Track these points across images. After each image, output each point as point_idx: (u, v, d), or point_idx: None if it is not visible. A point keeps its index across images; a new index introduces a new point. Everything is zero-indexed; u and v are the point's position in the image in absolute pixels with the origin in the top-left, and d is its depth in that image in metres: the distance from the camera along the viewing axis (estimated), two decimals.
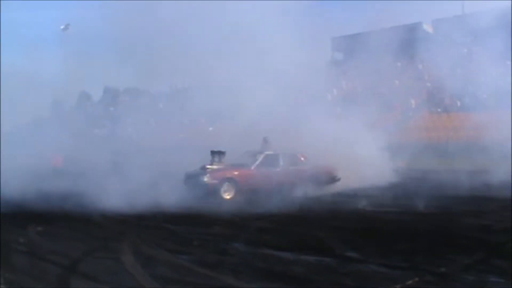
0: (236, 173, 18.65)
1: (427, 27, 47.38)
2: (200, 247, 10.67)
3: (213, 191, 17.92)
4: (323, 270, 8.64)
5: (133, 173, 18.44)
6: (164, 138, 26.73)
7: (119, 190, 18.18)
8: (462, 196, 17.28)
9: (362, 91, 36.00)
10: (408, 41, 36.03)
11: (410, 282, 7.79)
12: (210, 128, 23.55)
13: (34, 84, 35.72)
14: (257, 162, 19.17)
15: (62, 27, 34.36)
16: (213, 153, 19.14)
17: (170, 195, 16.62)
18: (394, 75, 38.08)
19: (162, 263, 9.34)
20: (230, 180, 18.39)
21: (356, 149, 20.53)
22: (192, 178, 18.52)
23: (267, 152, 19.70)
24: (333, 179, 20.12)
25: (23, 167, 21.98)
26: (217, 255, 9.89)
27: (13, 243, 11.72)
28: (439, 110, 35.90)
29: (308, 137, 19.96)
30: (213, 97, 24.02)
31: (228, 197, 18.12)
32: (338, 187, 19.60)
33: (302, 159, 20.02)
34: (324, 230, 11.82)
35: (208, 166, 18.73)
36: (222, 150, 19.18)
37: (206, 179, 18.15)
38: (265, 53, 23.21)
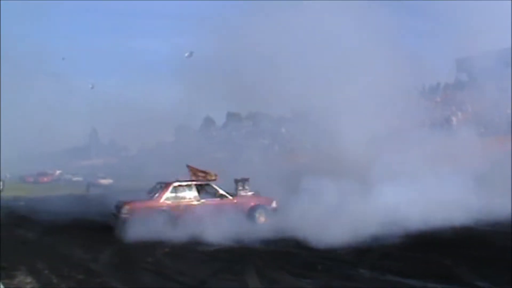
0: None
1: None
2: (324, 272, 10.64)
3: None
4: None
5: None
6: (286, 162, 26.97)
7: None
8: None
9: (488, 113, 34.65)
10: None
11: None
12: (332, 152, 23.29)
13: (159, 110, 37.05)
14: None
15: (186, 54, 35.46)
16: (236, 181, 19.26)
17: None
18: None
19: (286, 287, 9.36)
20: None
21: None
22: None
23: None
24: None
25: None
26: (342, 280, 9.82)
27: (141, 262, 12.20)
28: None
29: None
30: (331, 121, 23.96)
31: None
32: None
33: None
34: (450, 257, 11.41)
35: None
36: (246, 177, 19.31)
37: None
38: (381, 76, 22.96)
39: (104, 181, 55.43)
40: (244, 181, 19.39)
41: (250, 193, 19.25)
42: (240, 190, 19.27)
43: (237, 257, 12.66)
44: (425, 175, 19.01)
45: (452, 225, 16.13)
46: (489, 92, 35.24)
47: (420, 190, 18.10)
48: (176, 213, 17.53)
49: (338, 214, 16.75)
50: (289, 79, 24.61)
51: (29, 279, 10.34)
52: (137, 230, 15.65)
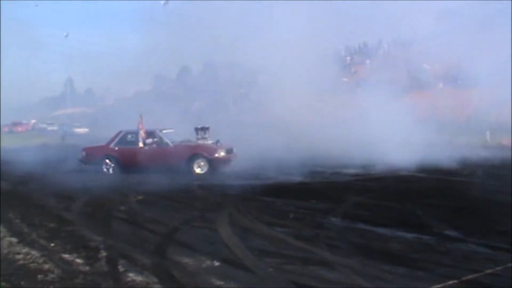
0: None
1: None
2: (296, 220, 10.69)
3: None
4: (421, 248, 8.39)
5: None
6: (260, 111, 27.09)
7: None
8: None
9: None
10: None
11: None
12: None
13: (136, 59, 36.66)
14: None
15: (162, 2, 35.01)
16: (196, 129, 20.03)
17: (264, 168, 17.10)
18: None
19: (258, 235, 9.39)
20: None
21: None
22: None
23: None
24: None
25: None
26: (313, 228, 9.86)
27: (114, 211, 12.20)
28: None
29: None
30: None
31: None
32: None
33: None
34: (423, 207, 11.48)
35: None
36: (206, 126, 20.12)
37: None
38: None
39: (80, 130, 55.21)
40: (204, 129, 19.98)
41: (210, 142, 19.85)
42: (199, 138, 19.92)
43: (211, 205, 12.68)
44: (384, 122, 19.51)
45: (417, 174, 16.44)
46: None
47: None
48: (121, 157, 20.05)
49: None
50: (260, 31, 24.68)
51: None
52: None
